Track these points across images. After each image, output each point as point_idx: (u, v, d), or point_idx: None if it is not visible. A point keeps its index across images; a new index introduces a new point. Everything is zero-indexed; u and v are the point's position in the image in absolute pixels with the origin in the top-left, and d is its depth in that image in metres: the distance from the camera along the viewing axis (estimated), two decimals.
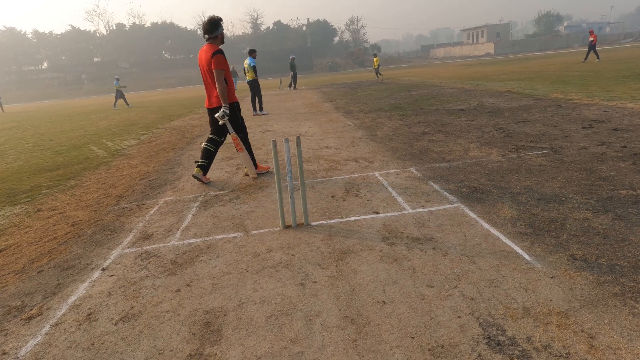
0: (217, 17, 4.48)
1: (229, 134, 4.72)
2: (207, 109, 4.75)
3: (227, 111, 4.47)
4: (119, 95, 20.82)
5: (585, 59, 20.86)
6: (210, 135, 4.82)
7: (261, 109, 11.60)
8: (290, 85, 21.38)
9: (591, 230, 2.69)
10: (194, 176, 4.72)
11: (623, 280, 2.12)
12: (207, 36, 4.44)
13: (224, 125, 4.63)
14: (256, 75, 11.35)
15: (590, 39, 20.73)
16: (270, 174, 4.91)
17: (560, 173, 3.90)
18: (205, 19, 4.48)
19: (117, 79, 21.41)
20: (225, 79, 4.44)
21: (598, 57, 20.67)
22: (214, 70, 4.35)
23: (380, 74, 25.30)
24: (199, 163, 4.74)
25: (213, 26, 4.39)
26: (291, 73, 20.84)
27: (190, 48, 74.25)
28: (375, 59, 25.26)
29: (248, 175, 4.97)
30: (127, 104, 21.03)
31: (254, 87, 11.36)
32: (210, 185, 4.70)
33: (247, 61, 11.15)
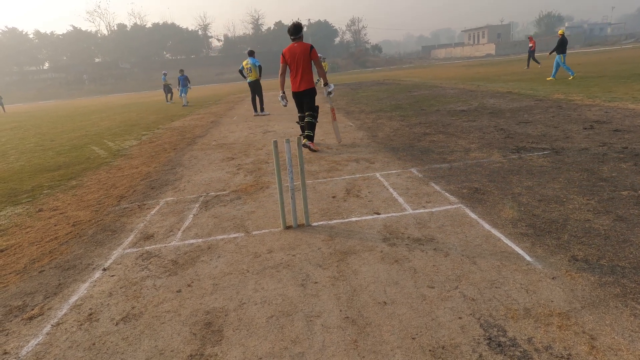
0: (300, 22, 5.92)
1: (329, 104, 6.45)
2: (295, 92, 5.93)
3: (333, 85, 5.90)
4: (167, 90, 20.49)
5: (527, 66, 20.39)
6: (307, 112, 5.94)
7: (262, 109, 11.59)
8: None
9: (592, 231, 2.69)
10: (304, 145, 5.80)
11: (624, 281, 2.11)
12: (292, 37, 5.74)
13: (313, 100, 5.93)
14: (260, 76, 11.28)
15: (530, 45, 20.37)
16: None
17: (562, 174, 3.90)
18: (291, 24, 5.80)
19: (165, 74, 21.12)
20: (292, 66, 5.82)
21: (538, 63, 20.26)
22: (314, 60, 5.75)
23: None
24: (306, 134, 5.97)
25: (297, 29, 5.74)
26: None
27: (191, 48, 74.37)
28: (324, 64, 25.00)
29: (315, 150, 5.99)
30: (168, 100, 20.22)
31: (256, 88, 11.31)
32: (212, 185, 4.71)
33: (249, 61, 11.06)
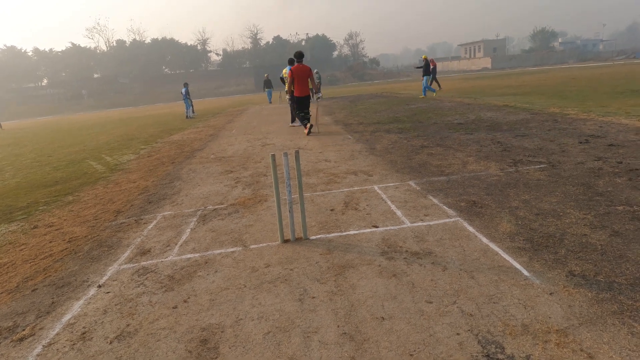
0: (302, 51, 9.31)
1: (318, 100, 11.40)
2: (298, 97, 9.03)
3: (321, 94, 13.35)
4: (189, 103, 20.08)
5: (439, 86, 19.83)
6: (305, 111, 9.19)
7: (293, 119, 11.11)
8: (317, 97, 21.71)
9: (589, 246, 2.69)
10: (308, 133, 9.07)
11: (621, 298, 2.11)
12: (297, 60, 8.95)
13: (309, 102, 9.22)
14: (286, 88, 10.24)
15: (432, 66, 19.76)
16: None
17: (558, 188, 3.92)
18: (296, 52, 9.12)
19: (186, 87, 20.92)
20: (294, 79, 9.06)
21: (438, 86, 19.88)
22: (310, 77, 9.12)
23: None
24: (310, 125, 9.08)
25: (301, 55, 9.02)
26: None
27: (190, 63, 75.01)
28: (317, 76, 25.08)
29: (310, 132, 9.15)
30: (188, 115, 18.78)
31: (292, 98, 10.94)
32: (210, 198, 4.70)
33: (286, 70, 11.01)
